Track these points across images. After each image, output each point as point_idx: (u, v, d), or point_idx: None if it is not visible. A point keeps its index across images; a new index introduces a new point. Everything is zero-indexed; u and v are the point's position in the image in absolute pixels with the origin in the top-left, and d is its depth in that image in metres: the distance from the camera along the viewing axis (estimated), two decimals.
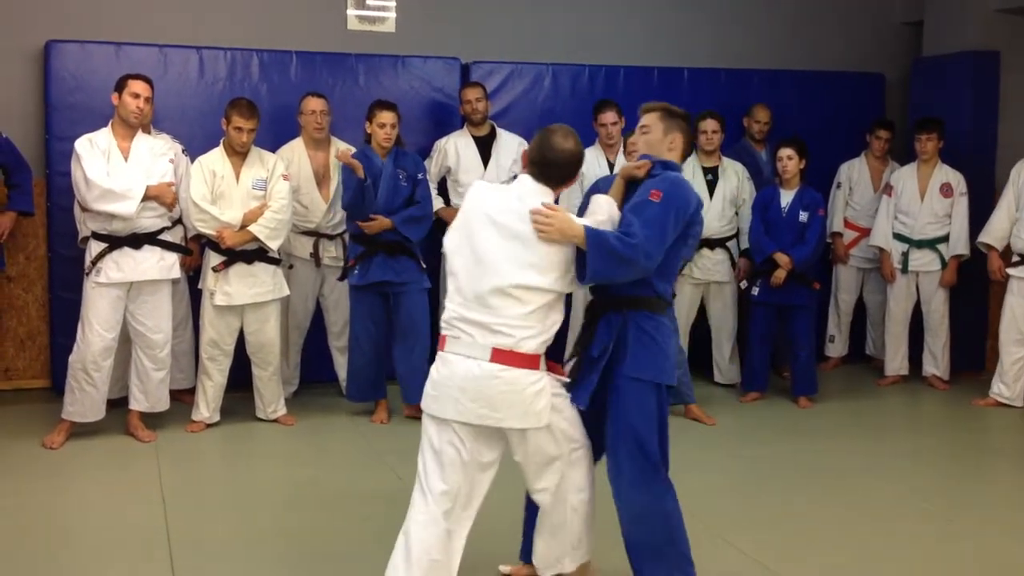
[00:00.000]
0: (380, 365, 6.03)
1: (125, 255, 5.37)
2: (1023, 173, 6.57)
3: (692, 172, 6.43)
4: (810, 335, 6.53)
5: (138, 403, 5.57)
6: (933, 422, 6.54)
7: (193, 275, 5.99)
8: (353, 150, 5.83)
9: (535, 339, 3.34)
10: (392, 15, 7.07)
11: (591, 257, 3.33)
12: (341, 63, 6.73)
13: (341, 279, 6.09)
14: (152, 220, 5.43)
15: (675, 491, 3.53)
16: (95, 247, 5.38)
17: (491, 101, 6.69)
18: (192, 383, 6.04)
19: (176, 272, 5.59)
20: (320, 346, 6.49)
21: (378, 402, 6.07)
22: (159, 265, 5.46)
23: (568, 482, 3.55)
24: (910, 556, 4.19)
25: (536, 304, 3.35)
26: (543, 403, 3.38)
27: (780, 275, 6.32)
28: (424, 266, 6.03)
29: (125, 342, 5.56)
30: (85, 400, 5.41)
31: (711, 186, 6.59)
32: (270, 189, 5.71)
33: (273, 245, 5.68)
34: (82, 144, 5.34)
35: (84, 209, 5.43)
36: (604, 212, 3.48)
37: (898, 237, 7.01)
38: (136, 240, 5.39)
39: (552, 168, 3.45)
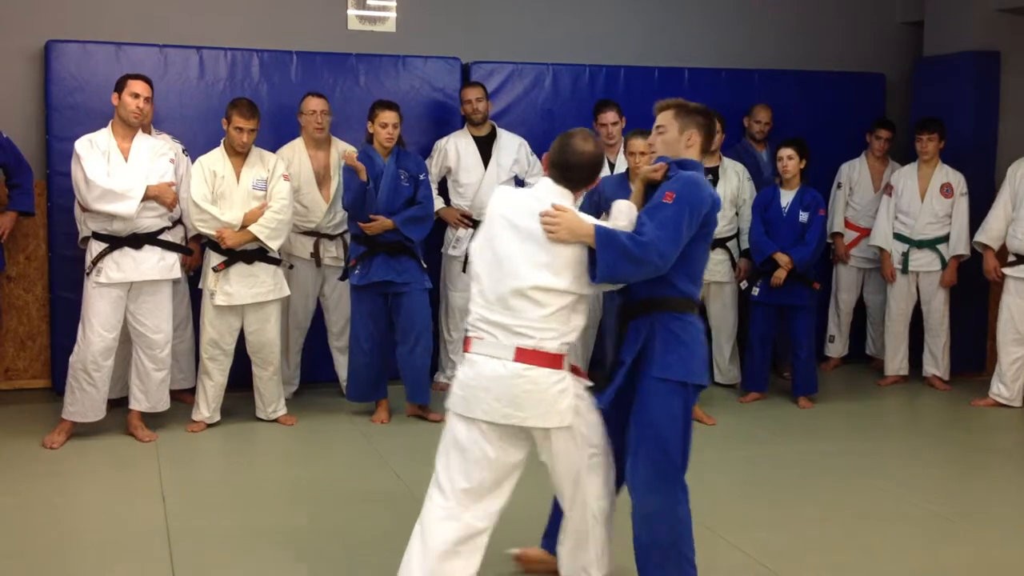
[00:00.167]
0: (380, 365, 6.03)
1: (125, 255, 5.38)
2: (1018, 173, 6.58)
3: None
4: (810, 335, 6.53)
5: (138, 403, 5.58)
6: (933, 422, 6.54)
7: (194, 275, 5.99)
8: (356, 151, 5.82)
9: (555, 340, 3.37)
10: (393, 15, 7.07)
11: (601, 255, 3.34)
12: (342, 63, 6.73)
13: (342, 279, 6.09)
14: (152, 220, 5.43)
15: (688, 495, 3.54)
16: (95, 247, 5.38)
17: (491, 101, 6.69)
18: (192, 383, 6.04)
19: (177, 272, 5.59)
20: (320, 346, 6.49)
21: (378, 402, 6.08)
22: (159, 265, 5.46)
23: (588, 488, 3.54)
24: (911, 556, 4.19)
25: (555, 306, 3.37)
26: (566, 402, 3.40)
27: (780, 275, 6.32)
28: (425, 266, 6.04)
29: (126, 342, 5.56)
30: (85, 400, 5.42)
31: (711, 186, 6.58)
32: (270, 189, 5.71)
33: (273, 245, 5.68)
34: (82, 144, 5.34)
35: (84, 209, 5.43)
36: (625, 218, 3.48)
37: (898, 237, 7.01)
38: (136, 240, 5.39)
39: (573, 171, 3.49)
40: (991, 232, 6.62)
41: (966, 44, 7.40)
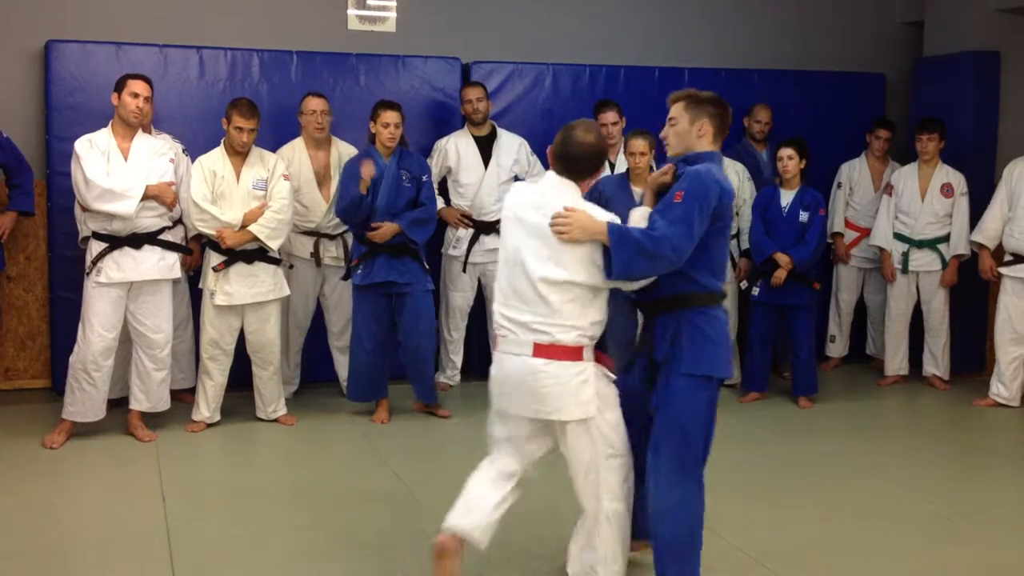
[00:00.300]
0: (381, 366, 6.03)
1: (125, 255, 5.38)
2: (1015, 172, 6.58)
3: None
4: (810, 335, 6.52)
5: (139, 403, 5.57)
6: (933, 422, 6.54)
7: (194, 275, 5.99)
8: (369, 162, 5.75)
9: (571, 333, 3.42)
10: (393, 15, 7.07)
11: (615, 252, 3.37)
12: (342, 63, 6.73)
13: (345, 279, 6.09)
14: (152, 220, 5.43)
15: (703, 495, 3.57)
16: (95, 247, 5.38)
17: (492, 101, 6.69)
18: (193, 383, 6.04)
19: (177, 272, 5.59)
20: (320, 346, 6.49)
21: (379, 402, 6.08)
22: (159, 265, 5.46)
23: (602, 487, 3.55)
24: (911, 556, 4.19)
25: (565, 299, 3.42)
26: (588, 393, 3.45)
27: (780, 275, 6.32)
28: (428, 267, 6.04)
29: (126, 342, 5.56)
30: (85, 400, 5.41)
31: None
32: (270, 189, 5.71)
33: (273, 245, 5.68)
34: (82, 144, 5.34)
35: (84, 209, 5.43)
36: (641, 224, 3.51)
37: (898, 237, 7.01)
38: (136, 240, 5.39)
39: (574, 162, 3.53)
40: (987, 232, 6.63)
41: (966, 44, 7.40)
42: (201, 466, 5.33)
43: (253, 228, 5.61)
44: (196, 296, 5.93)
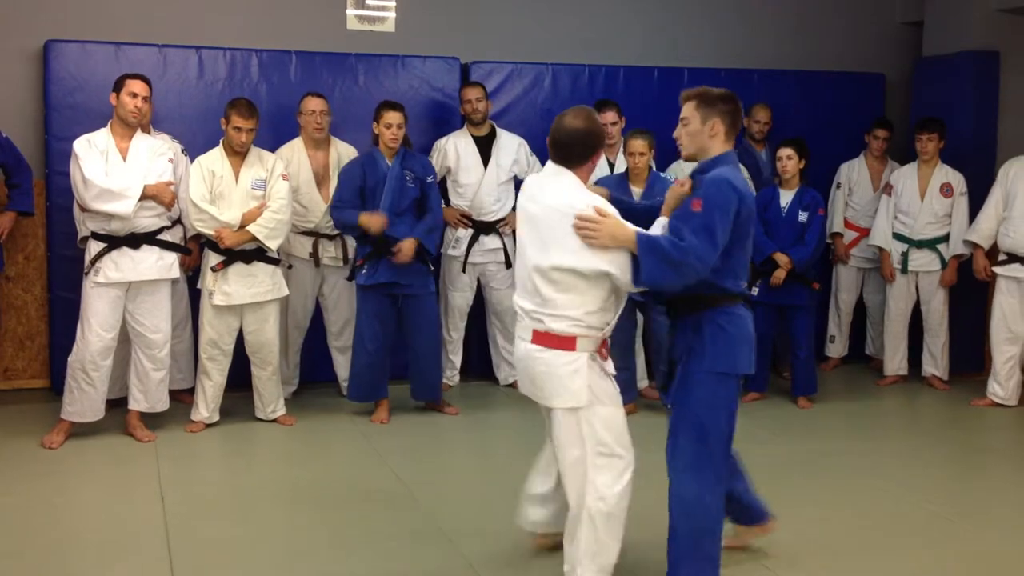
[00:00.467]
0: (383, 366, 6.03)
1: (124, 255, 5.37)
2: (1010, 172, 6.59)
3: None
4: (810, 335, 6.52)
5: (137, 403, 5.57)
6: (932, 422, 6.54)
7: (192, 275, 5.99)
8: (379, 222, 5.75)
9: (561, 322, 3.47)
10: (392, 15, 7.07)
11: (644, 261, 3.40)
12: (341, 63, 6.73)
13: (349, 279, 6.08)
14: (151, 220, 5.43)
15: (723, 493, 3.61)
16: (94, 247, 5.38)
17: (491, 101, 6.68)
18: (191, 383, 6.03)
19: (175, 272, 5.59)
20: (320, 346, 6.49)
21: (378, 402, 6.07)
22: (158, 265, 5.46)
23: (588, 484, 3.55)
24: (911, 556, 4.19)
25: (557, 288, 3.46)
26: (579, 383, 3.48)
27: (780, 275, 6.31)
28: (432, 268, 6.05)
29: (124, 342, 5.55)
30: (84, 400, 5.41)
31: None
32: (269, 189, 5.70)
33: (272, 245, 5.67)
34: (80, 144, 5.34)
35: (83, 209, 5.43)
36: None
37: (898, 237, 7.01)
38: (135, 240, 5.39)
39: (563, 148, 3.56)
40: (981, 231, 6.64)
41: (966, 44, 7.40)
42: (200, 466, 5.33)
43: (252, 228, 5.60)
44: (195, 296, 5.93)
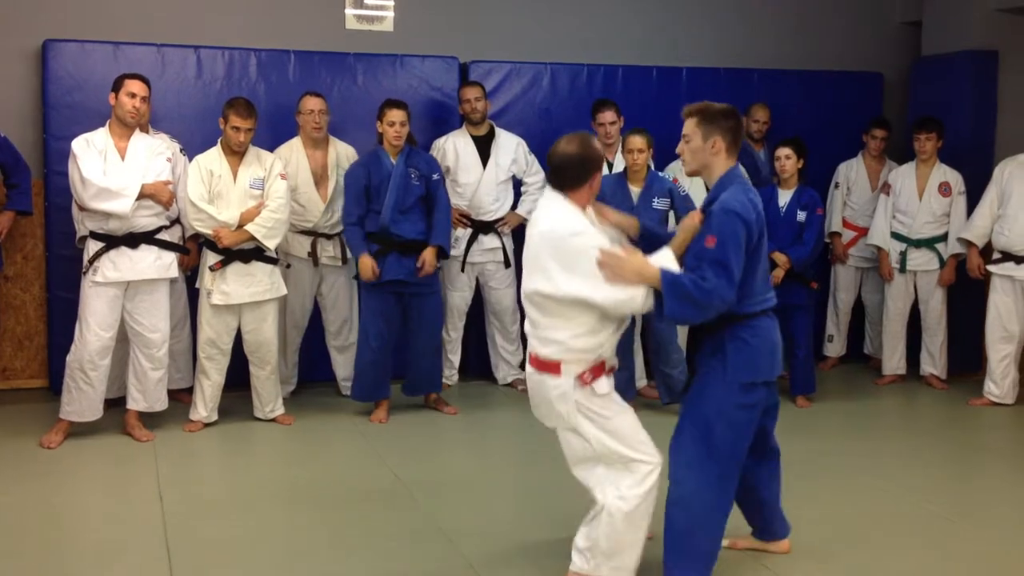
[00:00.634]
0: (387, 365, 6.03)
1: (122, 254, 5.37)
2: (1006, 171, 6.59)
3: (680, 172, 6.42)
4: (808, 335, 6.52)
5: (136, 403, 5.57)
6: (931, 422, 6.54)
7: (191, 274, 5.98)
8: (370, 272, 5.84)
9: (548, 347, 3.53)
10: (390, 14, 7.06)
11: (667, 299, 3.46)
12: (339, 62, 6.73)
13: (356, 277, 6.07)
14: (149, 219, 5.43)
15: (728, 494, 3.63)
16: (92, 246, 5.38)
17: (490, 100, 6.68)
18: (190, 383, 6.03)
19: (174, 271, 5.59)
20: (318, 345, 6.49)
21: (378, 401, 6.07)
22: (156, 264, 5.46)
23: (611, 485, 3.58)
24: (911, 556, 4.19)
25: (542, 312, 3.53)
26: (564, 407, 3.55)
27: (778, 275, 6.31)
28: (440, 267, 6.07)
29: (123, 341, 5.55)
30: (82, 400, 5.41)
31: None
32: (267, 188, 5.70)
33: (270, 244, 5.67)
34: (78, 143, 5.34)
35: (81, 208, 5.43)
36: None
37: (896, 236, 7.01)
38: (133, 239, 5.38)
39: (556, 173, 3.61)
40: (976, 230, 6.65)
41: (964, 44, 7.40)
42: (198, 466, 5.33)
43: (250, 227, 5.60)
44: (193, 296, 5.93)
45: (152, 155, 5.47)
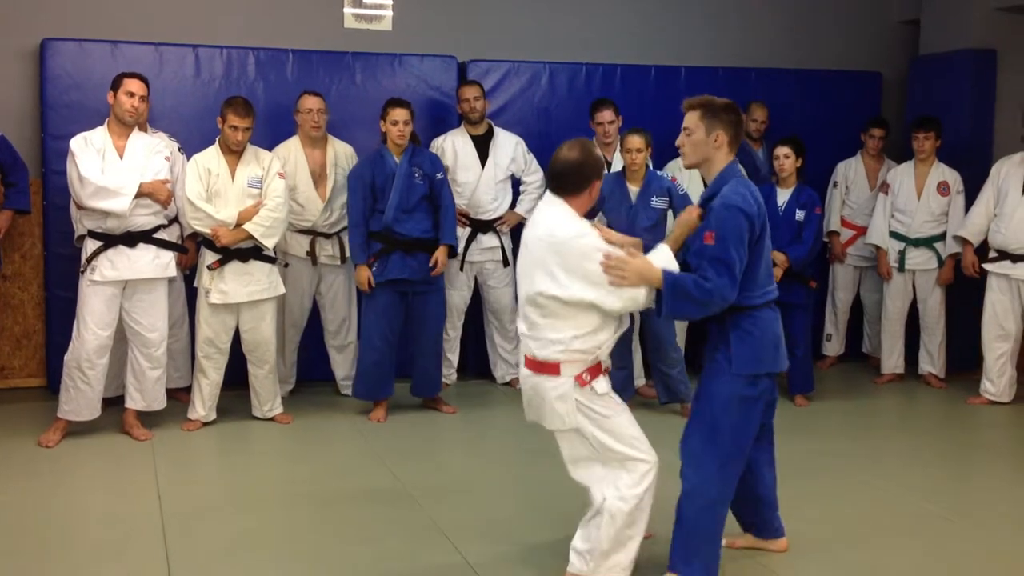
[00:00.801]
0: (390, 364, 6.03)
1: (120, 253, 5.37)
2: (1002, 170, 6.60)
3: (689, 173, 6.42)
4: (807, 334, 6.53)
5: (134, 402, 5.57)
6: (930, 421, 6.54)
7: (189, 273, 5.98)
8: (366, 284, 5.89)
9: (547, 348, 3.54)
10: (389, 13, 7.06)
11: (668, 300, 3.50)
12: (338, 61, 6.72)
13: None
14: (147, 218, 5.43)
15: (732, 487, 3.66)
16: (90, 245, 5.37)
17: (488, 100, 6.68)
18: (188, 382, 6.03)
19: (172, 270, 5.58)
20: (317, 344, 6.49)
21: (377, 400, 6.07)
22: (154, 263, 5.46)
23: (610, 485, 3.59)
24: (911, 556, 4.19)
25: (542, 313, 3.54)
26: (564, 407, 3.55)
27: (776, 274, 6.27)
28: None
29: (121, 340, 5.55)
30: (80, 399, 5.41)
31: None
32: (266, 187, 5.70)
33: (268, 243, 5.67)
34: (77, 142, 5.34)
35: (79, 207, 5.42)
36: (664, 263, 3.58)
37: (895, 235, 7.01)
38: (131, 238, 5.38)
39: (557, 178, 3.64)
40: (971, 228, 6.66)
41: (963, 42, 7.41)
42: (197, 465, 5.33)
43: (248, 226, 5.60)
44: (192, 295, 5.93)
45: (150, 154, 5.47)
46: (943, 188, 6.89)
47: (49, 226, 6.27)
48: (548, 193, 3.69)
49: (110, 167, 5.34)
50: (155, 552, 4.06)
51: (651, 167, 6.15)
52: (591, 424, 3.57)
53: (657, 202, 5.91)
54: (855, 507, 4.71)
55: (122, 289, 5.42)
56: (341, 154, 6.25)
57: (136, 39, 6.40)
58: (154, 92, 5.84)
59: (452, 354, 6.76)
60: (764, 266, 3.65)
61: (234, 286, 5.64)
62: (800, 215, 6.36)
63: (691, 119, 3.64)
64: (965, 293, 7.08)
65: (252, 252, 5.67)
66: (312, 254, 6.20)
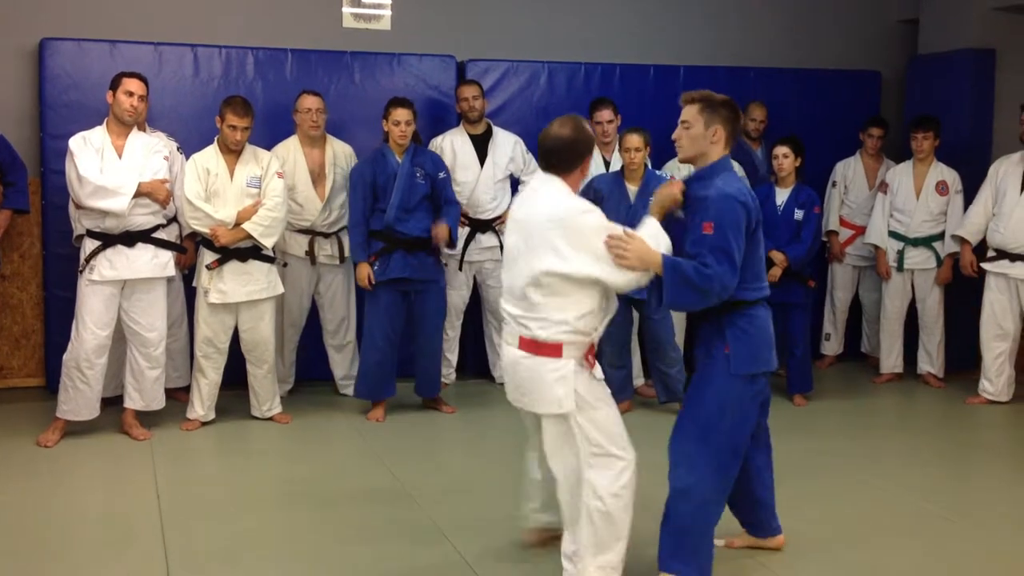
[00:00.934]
0: (393, 363, 6.02)
1: (119, 253, 5.37)
2: (1000, 170, 6.60)
3: (688, 171, 6.42)
4: (806, 333, 6.53)
5: (133, 401, 5.57)
6: (929, 420, 6.54)
7: (188, 273, 5.98)
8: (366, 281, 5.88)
9: (548, 329, 3.48)
10: (387, 13, 7.06)
11: (668, 286, 3.46)
12: (337, 61, 6.72)
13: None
14: (146, 218, 5.42)
15: (727, 486, 3.65)
16: (89, 245, 5.37)
17: (487, 99, 6.68)
18: (187, 381, 6.03)
19: (171, 270, 5.58)
20: (316, 344, 6.48)
21: (379, 400, 6.07)
22: (153, 263, 5.45)
23: (586, 484, 3.56)
24: (910, 556, 4.19)
25: (543, 293, 3.48)
26: (563, 390, 3.49)
27: (775, 273, 6.31)
28: (445, 263, 6.11)
29: (120, 340, 5.55)
30: (79, 398, 5.41)
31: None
32: (264, 187, 5.69)
33: (267, 243, 5.67)
34: (76, 142, 5.33)
35: (78, 206, 5.42)
36: (658, 243, 3.56)
37: (894, 235, 7.01)
38: (130, 238, 5.38)
39: (551, 155, 3.61)
40: (970, 227, 6.67)
41: (962, 42, 7.41)
42: (196, 465, 5.32)
43: (247, 226, 5.60)
44: (190, 294, 5.92)
45: (149, 153, 5.47)
46: (942, 188, 6.89)
47: (48, 226, 6.26)
48: (540, 171, 3.66)
49: (109, 166, 5.33)
50: (154, 552, 4.06)
51: (650, 166, 6.15)
52: (579, 412, 3.52)
53: None
54: (854, 507, 4.71)
55: (121, 289, 5.42)
56: (340, 154, 6.25)
57: (135, 39, 6.39)
58: (153, 92, 5.83)
59: (451, 354, 6.76)
60: (758, 261, 3.65)
61: (233, 286, 5.64)
62: (799, 214, 6.37)
63: (690, 112, 3.63)
64: (964, 293, 7.08)
65: (251, 252, 5.67)
66: (311, 254, 6.20)
